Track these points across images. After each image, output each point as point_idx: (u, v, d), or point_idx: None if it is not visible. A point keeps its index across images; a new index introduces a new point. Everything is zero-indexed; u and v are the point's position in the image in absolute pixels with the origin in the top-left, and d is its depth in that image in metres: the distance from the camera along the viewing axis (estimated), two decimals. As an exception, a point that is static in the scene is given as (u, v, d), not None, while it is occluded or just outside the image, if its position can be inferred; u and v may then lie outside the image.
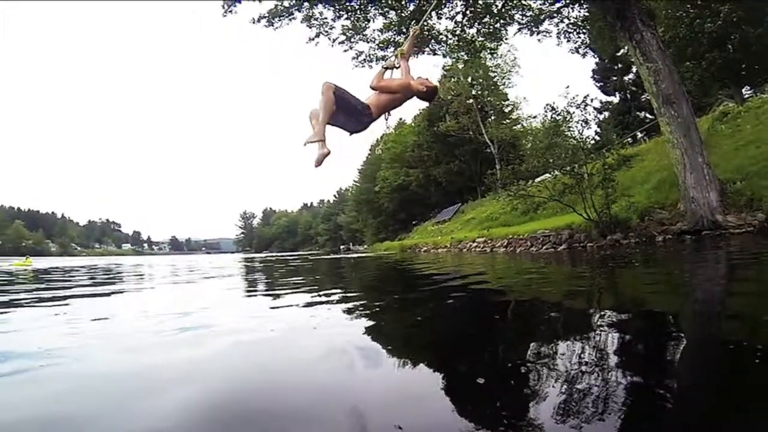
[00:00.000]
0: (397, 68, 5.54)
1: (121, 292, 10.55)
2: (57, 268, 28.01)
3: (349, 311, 5.88)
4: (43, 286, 13.30)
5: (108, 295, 9.94)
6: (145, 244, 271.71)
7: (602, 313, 5.08)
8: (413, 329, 4.90)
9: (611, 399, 2.40)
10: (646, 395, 2.53)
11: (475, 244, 30.61)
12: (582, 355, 3.26)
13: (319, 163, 4.93)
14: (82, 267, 28.49)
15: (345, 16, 21.84)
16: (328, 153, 4.90)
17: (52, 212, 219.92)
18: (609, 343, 3.60)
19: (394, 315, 6.00)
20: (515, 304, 6.50)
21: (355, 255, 44.85)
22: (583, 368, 2.95)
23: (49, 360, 3.77)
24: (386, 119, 5.39)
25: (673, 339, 3.87)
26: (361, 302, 6.84)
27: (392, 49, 23.02)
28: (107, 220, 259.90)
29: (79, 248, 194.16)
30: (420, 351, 4.01)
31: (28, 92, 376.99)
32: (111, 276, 18.07)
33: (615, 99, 54.97)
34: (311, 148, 4.93)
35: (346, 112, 4.99)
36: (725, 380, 2.74)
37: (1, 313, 7.22)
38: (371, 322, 5.19)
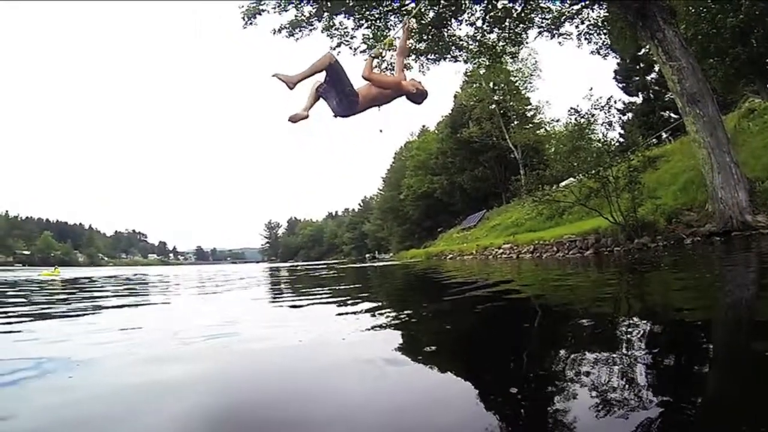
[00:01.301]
0: (382, 59, 5.63)
1: (149, 304, 10.58)
2: (85, 278, 28.35)
3: (377, 321, 5.84)
4: (72, 296, 13.39)
5: (136, 306, 9.98)
6: (171, 255, 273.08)
7: (631, 321, 4.96)
8: (442, 339, 4.84)
9: (641, 412, 2.34)
10: (675, 409, 2.45)
11: (501, 250, 30.43)
12: (612, 366, 3.18)
13: (293, 120, 5.13)
14: (109, 277, 28.88)
15: (365, 25, 21.91)
16: (305, 117, 5.14)
17: (80, 223, 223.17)
18: (639, 354, 3.52)
19: (422, 325, 5.93)
20: (544, 312, 6.41)
21: (380, 263, 44.86)
22: (614, 380, 2.88)
23: (78, 371, 3.81)
24: (381, 131, 5.45)
25: (703, 349, 3.75)
26: (389, 312, 6.77)
27: (413, 56, 23.12)
28: (133, 230, 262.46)
29: (106, 258, 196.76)
30: (450, 361, 3.97)
31: (58, 107, 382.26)
32: (138, 286, 18.23)
33: (638, 99, 54.34)
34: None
35: (337, 89, 5.08)
36: (759, 394, 2.63)
37: (33, 321, 7.36)
38: (399, 332, 5.16)
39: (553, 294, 8.55)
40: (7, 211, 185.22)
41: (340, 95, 5.09)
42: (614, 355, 3.49)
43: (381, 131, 5.74)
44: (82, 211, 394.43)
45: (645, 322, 4.84)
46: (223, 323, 6.19)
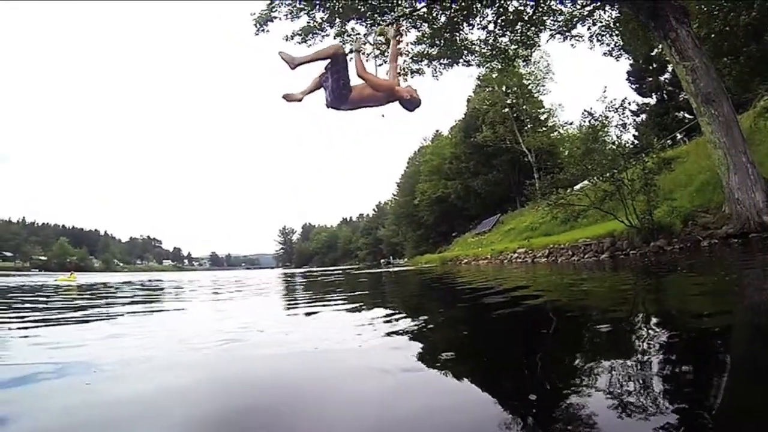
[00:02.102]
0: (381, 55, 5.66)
1: (164, 310, 10.60)
2: (101, 283, 28.63)
3: (393, 328, 5.75)
4: (89, 302, 13.54)
5: (152, 312, 10.02)
6: (186, 260, 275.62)
7: (649, 328, 4.87)
8: (459, 345, 4.80)
9: (660, 420, 2.29)
10: (694, 417, 2.42)
11: (515, 254, 30.36)
12: (630, 374, 3.13)
13: (287, 98, 5.43)
14: (125, 282, 29.14)
15: (378, 31, 21.92)
16: (299, 100, 5.41)
17: (95, 229, 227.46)
18: (657, 362, 3.45)
19: (439, 331, 5.89)
20: (561, 317, 6.33)
21: (395, 269, 44.76)
22: (632, 388, 2.85)
23: (96, 376, 3.85)
24: (383, 116, 5.52)
25: (722, 358, 3.67)
26: (405, 319, 6.70)
27: (426, 61, 23.12)
28: (148, 236, 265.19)
29: (121, 264, 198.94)
30: (468, 367, 3.94)
31: (75, 114, 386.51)
32: (154, 292, 18.33)
33: (652, 100, 53.89)
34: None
35: (333, 79, 5.18)
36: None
37: (52, 326, 7.39)
38: (416, 339, 5.10)
39: (570, 299, 8.48)
40: (23, 218, 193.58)
41: (334, 86, 5.18)
42: (632, 363, 3.45)
43: (383, 116, 5.71)
44: (98, 218, 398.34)
45: (662, 329, 4.77)
46: (238, 329, 6.18)
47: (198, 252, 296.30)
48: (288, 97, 5.43)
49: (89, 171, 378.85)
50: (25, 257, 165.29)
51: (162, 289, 21.01)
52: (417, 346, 4.73)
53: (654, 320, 5.39)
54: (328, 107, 5.41)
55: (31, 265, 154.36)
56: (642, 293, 8.38)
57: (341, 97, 5.20)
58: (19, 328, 7.31)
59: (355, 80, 5.33)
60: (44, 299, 14.15)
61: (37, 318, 8.95)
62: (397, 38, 5.58)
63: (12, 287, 22.75)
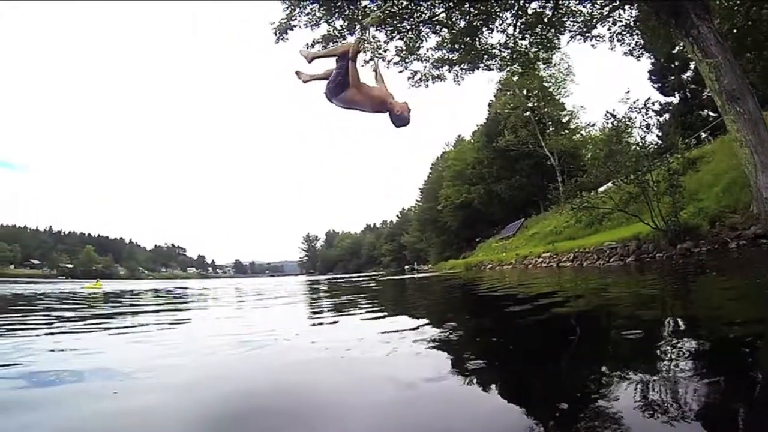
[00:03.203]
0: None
1: (189, 319, 10.63)
2: (127, 291, 28.85)
3: (420, 337, 5.70)
4: (116, 309, 13.63)
5: (178, 321, 9.99)
6: (210, 268, 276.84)
7: (679, 338, 4.77)
8: (488, 354, 4.75)
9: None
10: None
11: (540, 259, 30.18)
12: (661, 386, 3.07)
13: (297, 74, 5.69)
14: (150, 290, 29.54)
15: (398, 37, 21.96)
16: (305, 80, 5.66)
17: (120, 238, 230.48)
18: (687, 373, 3.36)
19: (466, 340, 5.79)
20: (589, 325, 6.30)
21: (420, 275, 44.69)
22: (662, 399, 2.81)
23: (123, 384, 3.94)
24: None
25: (751, 370, 3.55)
26: (432, 327, 6.67)
27: (447, 68, 23.09)
28: (173, 244, 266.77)
29: (146, 272, 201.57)
30: (498, 376, 3.93)
31: (98, 123, 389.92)
32: (179, 300, 18.47)
33: (675, 99, 52.75)
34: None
35: (336, 73, 5.31)
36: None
37: (81, 334, 7.44)
38: (444, 348, 5.07)
39: (597, 306, 8.37)
40: (50, 226, 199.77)
41: (333, 77, 5.30)
42: (662, 374, 3.39)
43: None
44: (123, 226, 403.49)
45: (691, 338, 4.68)
46: (264, 338, 6.24)
47: (222, 259, 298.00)
48: (298, 74, 5.66)
49: (114, 180, 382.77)
50: (53, 265, 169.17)
51: (187, 296, 21.13)
52: (445, 355, 4.72)
53: (682, 328, 5.33)
54: (325, 95, 5.45)
55: (58, 272, 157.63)
56: (670, 299, 8.24)
57: (335, 89, 5.25)
58: (46, 335, 7.49)
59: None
60: (72, 306, 14.33)
61: (65, 325, 9.09)
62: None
63: (39, 294, 23.05)
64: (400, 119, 5.26)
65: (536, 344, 5.25)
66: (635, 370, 3.44)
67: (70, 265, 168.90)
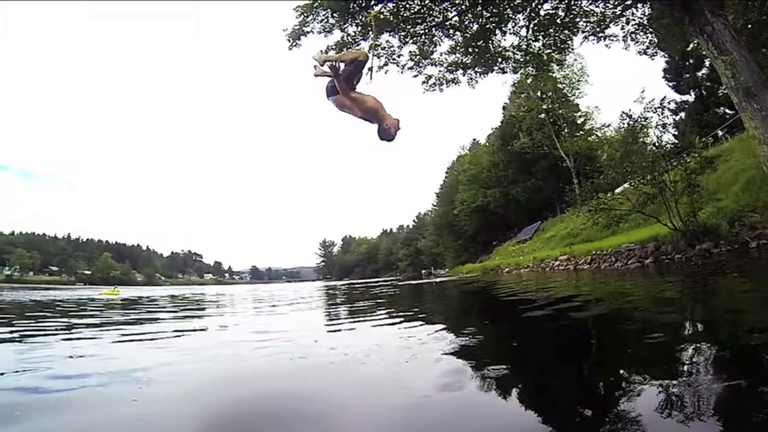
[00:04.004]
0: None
1: (206, 328, 10.58)
2: (145, 297, 29.08)
3: (439, 343, 5.71)
4: (134, 316, 13.76)
5: (197, 329, 10.03)
6: (226, 274, 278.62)
7: (701, 344, 4.66)
8: (509, 359, 4.78)
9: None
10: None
11: (557, 262, 30.02)
12: (683, 393, 3.02)
13: (315, 69, 5.69)
14: (167, 296, 29.59)
15: (411, 41, 21.95)
16: (315, 69, 5.69)
17: (138, 245, 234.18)
18: (710, 379, 3.34)
19: (486, 345, 5.83)
20: (609, 331, 6.24)
21: (437, 279, 44.60)
22: (685, 407, 2.78)
23: (142, 391, 3.97)
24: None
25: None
26: (451, 333, 6.68)
27: (461, 71, 23.04)
28: (189, 251, 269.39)
29: (163, 278, 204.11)
30: (520, 381, 3.95)
31: (111, 129, 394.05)
32: (196, 306, 18.59)
33: (690, 97, 51.93)
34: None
35: (343, 73, 5.30)
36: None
37: (100, 338, 7.50)
38: (464, 353, 5.07)
39: (616, 311, 8.25)
40: (69, 234, 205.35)
41: (336, 79, 5.30)
42: (684, 380, 3.34)
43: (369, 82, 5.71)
44: (140, 233, 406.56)
45: (714, 343, 4.60)
46: (282, 343, 6.33)
47: (239, 266, 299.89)
48: (315, 67, 5.71)
49: (132, 187, 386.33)
50: (71, 271, 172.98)
51: (204, 302, 21.26)
52: (464, 361, 4.70)
53: (703, 333, 5.31)
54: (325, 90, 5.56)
55: (76, 279, 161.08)
56: (690, 302, 8.17)
57: (332, 90, 5.35)
58: (63, 339, 7.65)
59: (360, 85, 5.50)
60: (90, 313, 14.42)
61: (82, 331, 9.29)
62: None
63: (58, 301, 23.32)
64: (386, 133, 5.30)
65: (556, 350, 5.25)
66: (657, 376, 3.43)
67: (88, 272, 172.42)
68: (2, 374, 4.60)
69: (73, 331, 9.09)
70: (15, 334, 8.37)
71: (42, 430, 3.02)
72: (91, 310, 15.35)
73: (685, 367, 3.71)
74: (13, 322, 11.38)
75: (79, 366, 4.97)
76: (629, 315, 7.34)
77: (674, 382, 3.23)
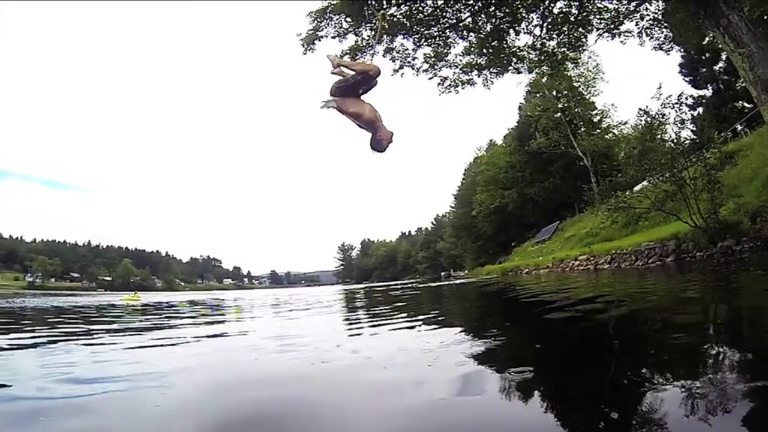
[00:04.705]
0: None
1: (226, 332, 10.56)
2: (165, 302, 29.23)
3: (460, 345, 5.69)
4: (155, 321, 13.78)
5: (218, 334, 10.03)
6: (246, 279, 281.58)
7: (726, 344, 4.58)
8: (533, 362, 4.72)
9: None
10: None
11: (577, 262, 29.81)
12: (711, 398, 2.93)
13: (331, 64, 5.80)
14: (187, 301, 29.75)
15: (425, 43, 21.94)
16: (332, 71, 5.73)
17: (157, 251, 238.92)
18: (739, 385, 3.19)
19: (509, 347, 5.77)
20: (633, 333, 6.12)
21: (456, 281, 44.49)
22: (714, 411, 2.70)
23: (164, 397, 3.96)
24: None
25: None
26: (473, 336, 6.65)
27: (476, 72, 22.98)
28: (208, 256, 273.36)
29: (182, 283, 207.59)
30: (545, 384, 3.91)
31: (129, 136, 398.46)
32: (216, 310, 18.64)
33: (708, 92, 51.00)
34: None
35: (347, 78, 5.50)
36: None
37: (122, 343, 7.45)
38: (488, 357, 5.04)
39: (638, 312, 8.11)
40: (89, 241, 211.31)
41: (342, 81, 5.47)
42: (711, 383, 3.24)
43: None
44: (160, 239, 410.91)
45: (738, 344, 4.53)
46: (305, 348, 6.32)
47: (258, 270, 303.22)
48: (331, 61, 5.82)
49: (150, 194, 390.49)
50: (91, 278, 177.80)
51: (223, 307, 21.36)
52: (487, 364, 4.66)
53: (728, 334, 5.21)
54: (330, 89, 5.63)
55: (97, 285, 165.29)
56: (713, 302, 8.01)
57: (337, 90, 5.42)
58: (85, 345, 7.76)
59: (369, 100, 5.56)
60: (111, 319, 14.52)
61: (104, 336, 9.30)
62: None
63: (80, 306, 23.54)
64: (378, 144, 5.35)
65: (579, 352, 5.18)
66: (681, 377, 3.42)
67: (108, 278, 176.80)
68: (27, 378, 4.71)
69: (94, 336, 9.16)
70: (37, 340, 8.45)
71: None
72: (112, 316, 15.50)
73: (709, 368, 3.64)
74: (36, 327, 11.48)
75: (102, 371, 5.00)
76: (651, 315, 7.26)
77: (698, 383, 3.19)
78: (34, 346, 7.43)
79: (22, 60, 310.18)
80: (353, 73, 5.52)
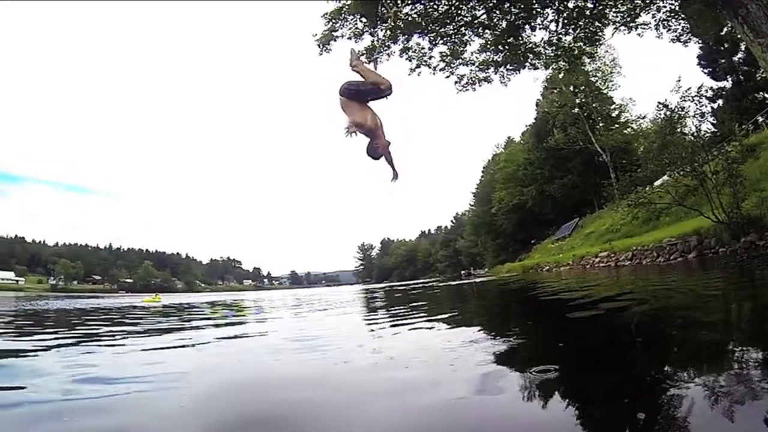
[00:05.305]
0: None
1: (247, 333, 10.43)
2: (185, 303, 29.24)
3: (483, 345, 5.58)
4: (177, 322, 13.78)
5: (239, 335, 9.90)
6: (266, 280, 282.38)
7: (753, 344, 4.42)
8: (556, 362, 4.50)
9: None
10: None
11: (597, 259, 29.63)
12: (740, 399, 2.79)
13: (351, 60, 5.90)
14: (207, 302, 29.69)
15: (441, 42, 21.87)
16: (351, 65, 5.84)
17: (177, 252, 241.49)
18: (764, 380, 3.09)
19: (533, 346, 5.72)
20: (657, 332, 5.92)
21: (477, 280, 44.21)
22: (743, 414, 2.57)
23: (187, 399, 3.95)
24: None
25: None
26: (495, 336, 6.53)
27: (493, 69, 22.87)
28: (228, 258, 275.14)
29: (202, 285, 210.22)
30: (571, 384, 3.79)
31: (150, 140, 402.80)
32: (236, 311, 18.65)
33: (727, 84, 50.15)
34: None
35: (357, 86, 5.57)
36: None
37: (143, 343, 7.43)
38: (511, 357, 4.95)
39: (662, 310, 7.88)
40: (110, 244, 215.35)
41: (355, 85, 5.56)
42: (734, 381, 3.14)
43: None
44: (180, 241, 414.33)
45: (765, 344, 4.33)
46: (326, 348, 6.32)
47: (278, 271, 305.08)
48: (351, 57, 5.87)
49: (170, 196, 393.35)
50: (113, 280, 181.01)
51: (244, 308, 21.36)
52: (510, 363, 4.58)
53: (752, 332, 5.09)
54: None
55: (118, 287, 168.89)
56: (736, 299, 7.83)
57: (346, 90, 5.51)
58: (107, 346, 7.85)
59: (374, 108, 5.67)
60: (133, 321, 14.55)
61: (127, 337, 9.36)
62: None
63: (101, 308, 23.76)
64: (374, 151, 5.51)
65: (603, 351, 5.06)
66: (706, 377, 3.33)
67: (129, 280, 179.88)
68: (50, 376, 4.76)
69: (116, 337, 9.22)
70: (60, 341, 8.47)
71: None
72: (133, 317, 15.54)
73: (735, 367, 3.53)
74: (59, 329, 11.50)
75: (124, 371, 4.99)
76: (675, 313, 7.11)
77: (723, 382, 3.09)
78: (58, 347, 7.42)
79: (40, 68, 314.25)
80: (366, 79, 5.58)
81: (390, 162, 5.79)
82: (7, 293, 75.36)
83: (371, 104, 5.62)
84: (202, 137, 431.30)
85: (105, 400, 3.81)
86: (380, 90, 5.50)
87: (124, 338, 8.94)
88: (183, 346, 7.52)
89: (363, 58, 5.98)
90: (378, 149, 5.41)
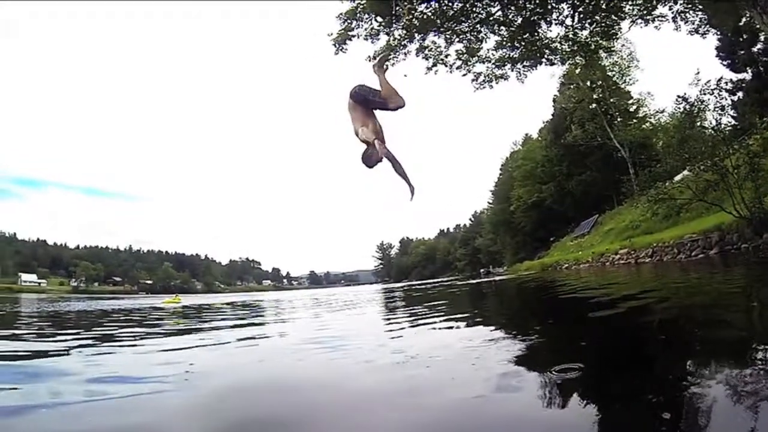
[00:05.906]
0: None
1: (267, 334, 10.44)
2: (204, 304, 29.44)
3: (504, 345, 5.63)
4: (198, 323, 13.97)
5: (259, 336, 9.90)
6: (285, 280, 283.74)
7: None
8: (577, 361, 4.38)
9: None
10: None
11: (617, 256, 29.38)
12: (759, 391, 2.84)
13: (374, 64, 6.00)
14: (227, 303, 29.87)
15: (457, 40, 21.81)
16: (374, 67, 5.92)
17: (197, 254, 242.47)
18: None
19: (552, 347, 5.70)
20: (680, 330, 5.86)
21: (496, 278, 44.07)
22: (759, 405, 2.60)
23: (213, 391, 4.13)
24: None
25: None
26: (516, 335, 6.55)
27: (509, 66, 22.75)
28: (247, 258, 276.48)
29: (222, 286, 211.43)
30: (595, 384, 3.77)
31: (170, 142, 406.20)
32: (256, 312, 18.78)
33: (747, 75, 49.13)
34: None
35: (372, 91, 5.64)
36: None
37: (165, 343, 7.43)
38: (530, 357, 4.95)
39: (685, 309, 7.80)
40: (130, 246, 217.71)
41: (366, 89, 5.63)
42: (760, 379, 3.11)
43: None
44: (199, 243, 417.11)
45: None
46: (347, 347, 6.44)
47: (297, 271, 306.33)
48: (374, 61, 6.09)
49: (189, 198, 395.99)
50: (133, 281, 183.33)
51: (263, 308, 21.50)
52: (531, 363, 4.59)
53: None
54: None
55: (138, 288, 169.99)
56: (760, 296, 7.67)
57: (356, 94, 5.59)
58: (128, 346, 8.01)
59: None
60: (154, 322, 14.69)
61: (148, 337, 9.58)
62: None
63: (122, 309, 23.97)
64: (369, 159, 5.54)
65: (625, 350, 5.02)
66: (730, 376, 3.27)
67: (149, 282, 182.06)
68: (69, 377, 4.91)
69: (137, 337, 9.35)
70: (82, 342, 8.61)
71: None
72: (154, 318, 15.76)
73: (759, 365, 3.48)
74: (80, 330, 11.67)
75: (145, 371, 5.10)
76: (697, 312, 7.09)
77: (748, 380, 3.08)
78: (79, 347, 7.50)
79: (59, 72, 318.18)
80: (381, 89, 5.63)
81: (404, 176, 5.76)
82: (30, 295, 76.39)
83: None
84: (221, 139, 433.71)
85: (126, 400, 3.87)
86: (388, 106, 5.56)
87: (144, 339, 9.10)
88: (204, 346, 7.63)
89: (388, 64, 6.03)
90: (372, 158, 5.44)
